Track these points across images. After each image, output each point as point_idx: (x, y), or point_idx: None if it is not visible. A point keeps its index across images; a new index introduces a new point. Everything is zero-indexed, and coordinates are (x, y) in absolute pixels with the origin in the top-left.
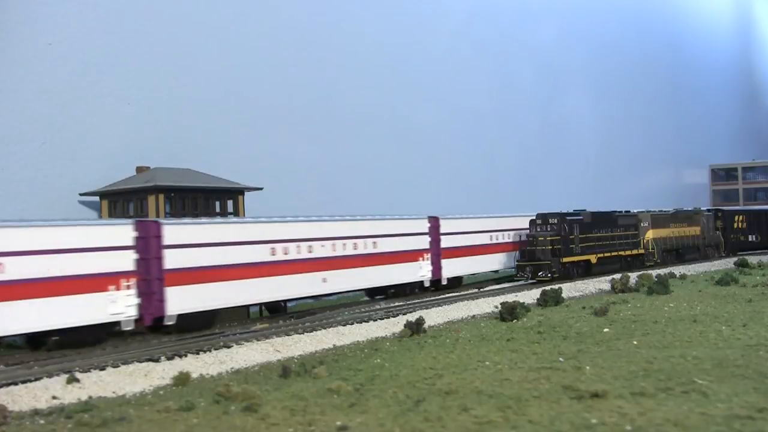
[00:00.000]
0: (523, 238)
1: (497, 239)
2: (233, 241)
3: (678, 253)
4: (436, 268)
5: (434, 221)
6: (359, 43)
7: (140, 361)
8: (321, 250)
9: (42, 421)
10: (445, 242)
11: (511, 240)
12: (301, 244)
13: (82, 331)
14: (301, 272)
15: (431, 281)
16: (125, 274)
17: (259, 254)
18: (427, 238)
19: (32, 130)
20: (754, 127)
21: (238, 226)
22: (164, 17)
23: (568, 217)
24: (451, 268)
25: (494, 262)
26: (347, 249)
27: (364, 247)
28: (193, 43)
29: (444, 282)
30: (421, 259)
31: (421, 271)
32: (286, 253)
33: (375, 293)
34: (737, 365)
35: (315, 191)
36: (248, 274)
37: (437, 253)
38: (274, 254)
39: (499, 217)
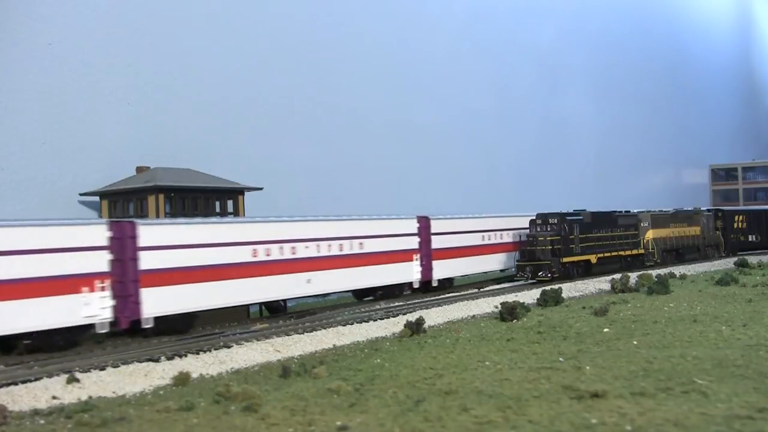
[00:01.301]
0: (373, 249)
1: (274, 254)
2: None
3: (678, 253)
4: (132, 302)
5: (127, 229)
6: (359, 44)
7: (140, 361)
8: None
9: (42, 421)
10: (151, 261)
11: (317, 255)
12: None
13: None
14: None
15: (129, 321)
16: None
17: None
18: (106, 256)
19: (32, 130)
20: (754, 127)
21: None
22: (164, 17)
23: (568, 217)
24: (165, 302)
25: (268, 289)
26: None
27: None
28: (193, 44)
29: (147, 325)
30: (86, 288)
31: (88, 308)
32: None
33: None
34: (737, 365)
35: (315, 191)
36: None
37: (135, 279)
38: None
39: (276, 221)
